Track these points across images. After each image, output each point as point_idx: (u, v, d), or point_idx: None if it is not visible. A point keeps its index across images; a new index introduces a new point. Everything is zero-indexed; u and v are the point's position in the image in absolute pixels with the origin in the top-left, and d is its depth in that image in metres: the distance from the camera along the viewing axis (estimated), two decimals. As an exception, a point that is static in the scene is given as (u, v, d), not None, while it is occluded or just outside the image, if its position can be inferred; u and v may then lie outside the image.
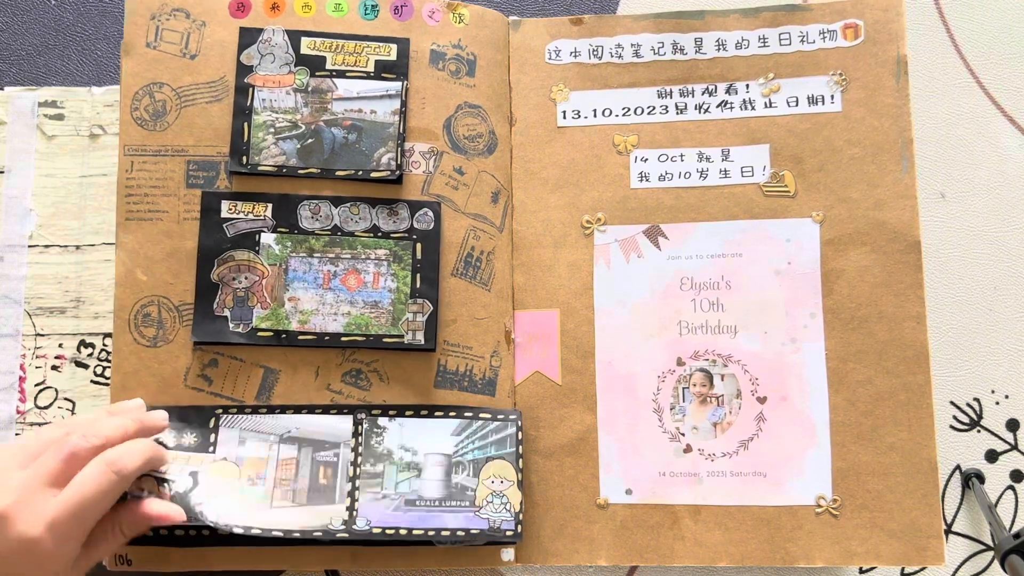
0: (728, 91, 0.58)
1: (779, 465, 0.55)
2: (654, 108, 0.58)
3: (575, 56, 0.59)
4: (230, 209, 0.55)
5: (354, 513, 0.52)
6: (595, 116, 0.58)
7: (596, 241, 0.57)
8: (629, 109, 0.58)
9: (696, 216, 0.57)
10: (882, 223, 0.55)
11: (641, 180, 0.57)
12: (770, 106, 0.57)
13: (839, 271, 0.55)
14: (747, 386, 0.56)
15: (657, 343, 0.56)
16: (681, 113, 0.58)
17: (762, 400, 0.55)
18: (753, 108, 0.57)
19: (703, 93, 0.58)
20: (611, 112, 0.58)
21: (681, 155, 0.57)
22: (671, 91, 0.58)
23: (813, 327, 0.55)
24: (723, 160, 0.57)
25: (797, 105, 0.57)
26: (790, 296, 0.56)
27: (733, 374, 0.56)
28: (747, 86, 0.58)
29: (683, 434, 0.55)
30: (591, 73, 0.58)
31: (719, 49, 0.58)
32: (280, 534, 0.50)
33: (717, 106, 0.58)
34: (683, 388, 0.56)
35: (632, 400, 0.56)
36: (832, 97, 0.57)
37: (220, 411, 0.54)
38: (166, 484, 0.50)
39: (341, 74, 0.56)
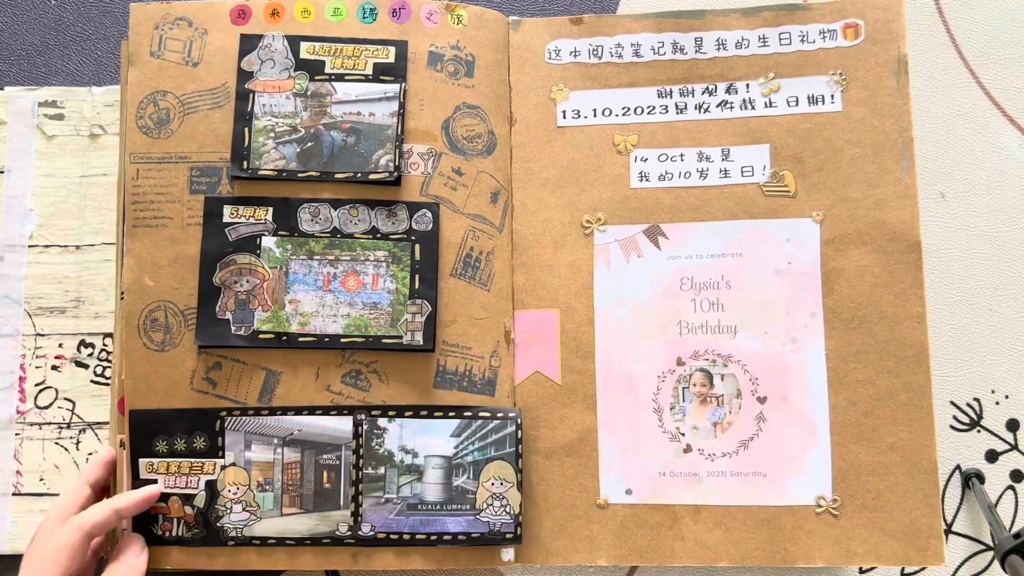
0: (728, 91, 0.58)
1: (779, 465, 0.55)
2: (654, 108, 0.58)
3: (575, 56, 0.59)
4: (232, 214, 0.55)
5: (359, 519, 0.53)
6: (595, 116, 0.58)
7: (596, 241, 0.57)
8: (629, 109, 0.58)
9: (696, 216, 0.57)
10: (882, 223, 0.55)
11: (641, 180, 0.57)
12: (770, 106, 0.57)
13: (839, 271, 0.55)
14: (747, 386, 0.56)
15: (657, 343, 0.56)
16: (681, 113, 0.58)
17: (762, 400, 0.55)
18: (753, 108, 0.57)
19: (703, 93, 0.58)
20: (611, 112, 0.58)
21: (681, 155, 0.57)
22: (671, 91, 0.58)
23: (813, 327, 0.55)
24: (723, 160, 0.57)
25: (797, 105, 0.57)
26: (790, 296, 0.56)
27: (733, 374, 0.56)
28: (747, 86, 0.57)
29: (683, 434, 0.55)
30: (591, 73, 0.58)
31: (719, 49, 0.58)
32: (292, 543, 0.53)
33: (717, 106, 0.58)
34: (683, 388, 0.56)
35: (632, 400, 0.56)
36: (832, 97, 0.57)
37: (224, 414, 0.54)
38: (190, 502, 0.53)
39: (340, 77, 0.56)
